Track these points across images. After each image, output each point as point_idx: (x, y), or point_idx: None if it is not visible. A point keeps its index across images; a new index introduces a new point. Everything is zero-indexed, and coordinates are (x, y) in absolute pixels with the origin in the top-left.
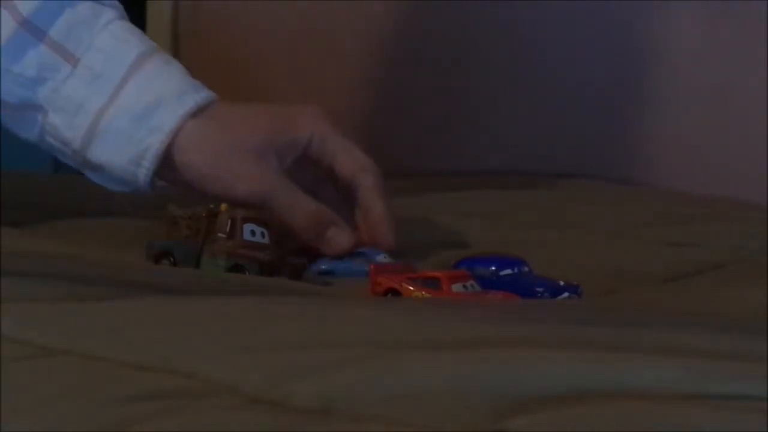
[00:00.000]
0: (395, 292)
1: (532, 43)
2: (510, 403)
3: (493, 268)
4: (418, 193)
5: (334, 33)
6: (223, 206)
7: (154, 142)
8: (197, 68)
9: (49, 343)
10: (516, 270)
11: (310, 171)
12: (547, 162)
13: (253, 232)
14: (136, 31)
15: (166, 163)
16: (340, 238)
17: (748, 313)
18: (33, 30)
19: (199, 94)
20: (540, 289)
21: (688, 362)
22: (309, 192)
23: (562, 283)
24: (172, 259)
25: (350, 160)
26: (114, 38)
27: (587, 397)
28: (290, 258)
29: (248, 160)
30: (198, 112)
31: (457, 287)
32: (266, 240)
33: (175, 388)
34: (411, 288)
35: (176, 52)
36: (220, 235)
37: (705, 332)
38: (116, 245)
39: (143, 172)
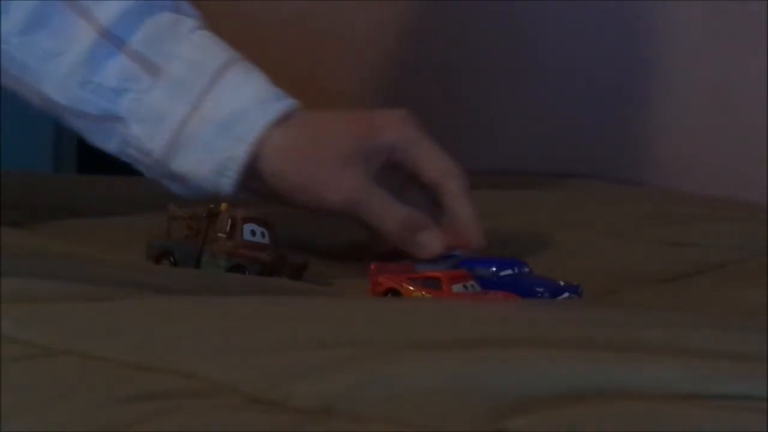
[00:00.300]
0: (395, 292)
1: (533, 44)
2: (510, 403)
3: (494, 268)
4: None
5: (334, 34)
6: (223, 206)
7: (238, 153)
8: None
9: (49, 343)
10: (516, 270)
11: (395, 175)
12: (547, 162)
13: (253, 232)
14: (218, 39)
15: (251, 172)
16: (431, 241)
17: (748, 313)
18: (113, 39)
19: (282, 102)
20: (540, 290)
21: (688, 362)
22: (395, 196)
23: (562, 283)
24: (172, 259)
25: (435, 165)
26: (196, 48)
27: (587, 397)
28: (290, 258)
29: (337, 168)
30: (282, 121)
31: (457, 287)
32: (266, 240)
33: (175, 388)
34: (411, 288)
35: None
36: (220, 235)
37: (705, 332)
38: (116, 245)
39: (227, 182)
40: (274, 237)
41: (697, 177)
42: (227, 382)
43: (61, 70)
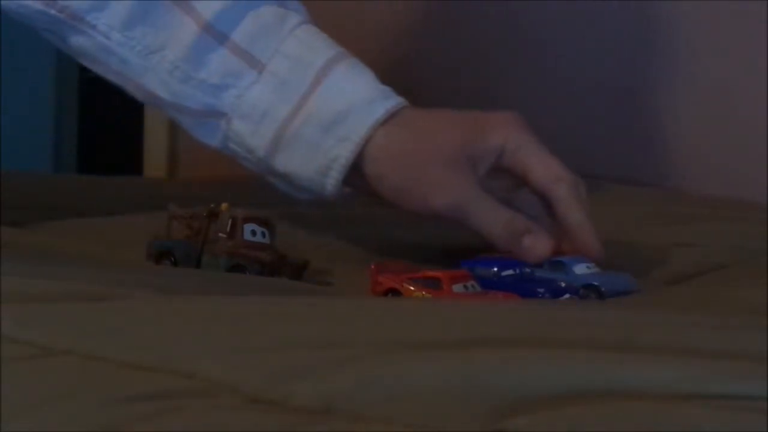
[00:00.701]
0: (395, 292)
1: (533, 44)
2: (510, 403)
3: (495, 268)
4: None
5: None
6: (224, 206)
7: (342, 153)
8: None
9: (49, 343)
10: (517, 271)
11: (504, 179)
12: None
13: (253, 232)
14: (323, 35)
15: (355, 172)
16: (537, 245)
17: (748, 313)
18: (216, 35)
19: (389, 101)
20: (541, 290)
21: (688, 362)
22: (503, 201)
23: (563, 284)
24: (172, 259)
25: (544, 170)
26: (301, 44)
27: (587, 397)
28: (290, 258)
29: (443, 171)
30: (388, 120)
31: (457, 287)
32: (267, 240)
33: (175, 388)
34: (411, 288)
35: None
36: (220, 235)
37: (705, 332)
38: (116, 245)
39: (331, 183)
40: (275, 237)
41: (697, 177)
42: (227, 382)
43: (164, 66)
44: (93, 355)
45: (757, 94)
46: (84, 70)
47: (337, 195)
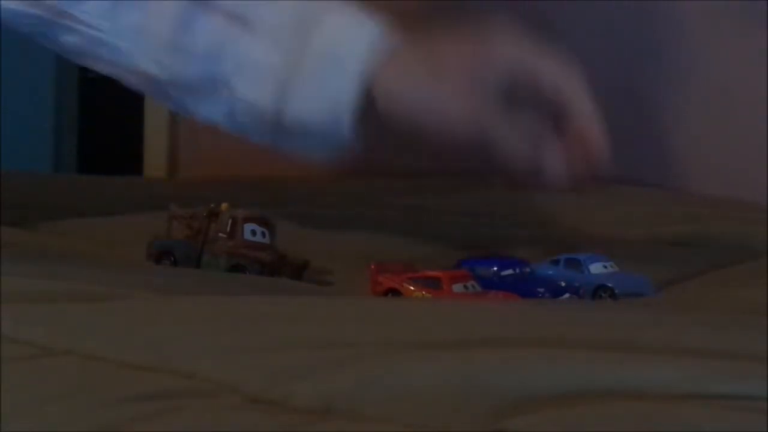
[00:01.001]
0: (395, 292)
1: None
2: (510, 403)
3: (495, 268)
4: (419, 193)
5: None
6: (224, 206)
7: (351, 85)
8: None
9: (49, 343)
10: (517, 270)
11: (514, 95)
12: None
13: (253, 232)
14: None
15: (369, 107)
16: (554, 160)
17: (748, 313)
18: (199, 1)
19: (384, 26)
20: (541, 290)
21: (688, 362)
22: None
23: (563, 284)
24: (172, 259)
25: (550, 71)
26: None
27: (587, 397)
28: (291, 257)
29: (460, 85)
30: (389, 44)
31: (457, 287)
32: (267, 240)
33: (175, 388)
34: (411, 288)
35: None
36: (220, 234)
37: (705, 332)
38: (116, 245)
39: (346, 119)
40: (275, 237)
41: (697, 177)
42: (227, 382)
43: (153, 42)
44: (93, 355)
45: (757, 94)
46: (84, 69)
47: (357, 139)
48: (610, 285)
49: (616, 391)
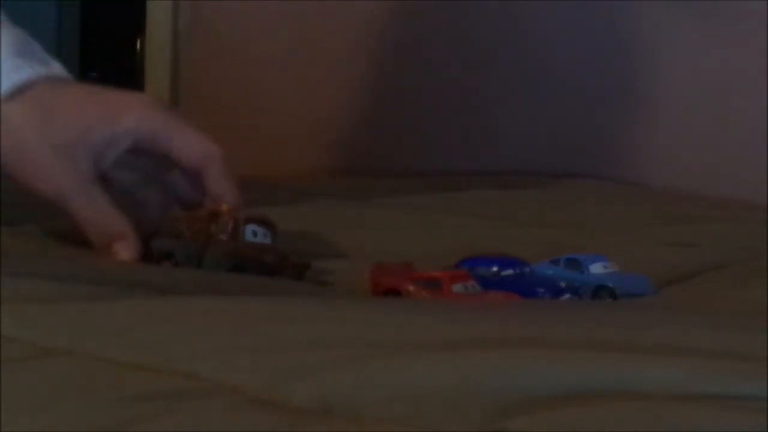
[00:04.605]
0: (395, 292)
1: (533, 44)
2: (510, 403)
3: (495, 268)
4: (418, 193)
5: (334, 33)
6: (225, 207)
7: None
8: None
9: (49, 343)
10: (518, 270)
11: (155, 161)
12: (548, 162)
13: (254, 233)
14: None
15: None
16: (123, 253)
17: (748, 313)
18: None
19: (19, 74)
20: (541, 290)
21: (688, 362)
22: (153, 181)
23: (563, 284)
24: (173, 260)
25: (189, 150)
26: None
27: (587, 397)
28: (292, 258)
29: (49, 157)
30: (18, 94)
31: (457, 288)
32: (268, 241)
33: (175, 388)
34: (411, 288)
35: (176, 51)
36: (221, 236)
37: (705, 332)
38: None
39: None
40: (276, 237)
41: (697, 177)
42: (227, 382)
43: None
44: (93, 355)
45: (757, 94)
46: (84, 69)
47: None
48: (610, 285)
49: (616, 391)
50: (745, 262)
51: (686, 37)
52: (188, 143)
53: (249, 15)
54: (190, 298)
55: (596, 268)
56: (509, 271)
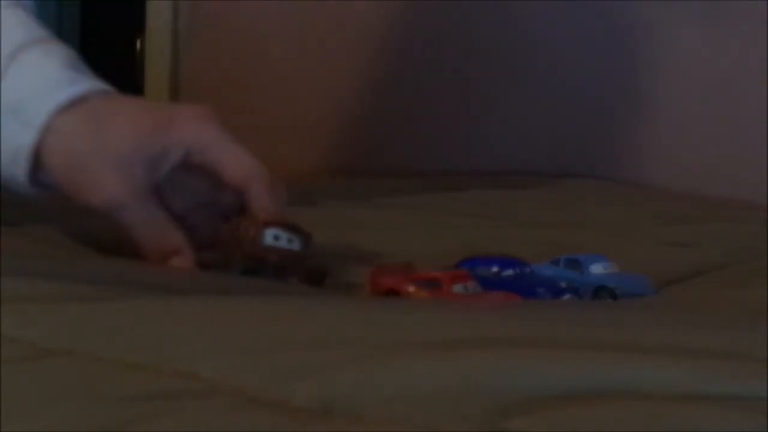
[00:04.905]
0: (395, 293)
1: (533, 44)
2: (510, 403)
3: (495, 268)
4: (418, 193)
5: (334, 33)
6: (247, 213)
7: (26, 139)
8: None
9: (49, 343)
10: (518, 270)
11: (205, 177)
12: (548, 162)
13: (276, 237)
14: (26, 20)
15: (41, 166)
16: (180, 265)
17: (748, 313)
18: None
19: (74, 87)
20: (541, 290)
21: (688, 362)
22: (205, 197)
23: (563, 284)
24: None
25: (236, 168)
26: None
27: (587, 397)
28: (309, 263)
29: (106, 169)
30: (73, 107)
31: (457, 288)
32: (293, 246)
33: (175, 388)
34: (411, 289)
35: (176, 51)
36: (243, 239)
37: (705, 332)
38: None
39: (21, 173)
40: (306, 243)
41: (697, 177)
42: (227, 382)
43: None
44: (93, 355)
45: (757, 94)
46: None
47: (38, 189)
48: (610, 285)
49: (616, 391)
50: (745, 262)
51: (686, 37)
52: (235, 158)
53: (249, 15)
54: (190, 298)
55: (596, 269)
56: (509, 272)
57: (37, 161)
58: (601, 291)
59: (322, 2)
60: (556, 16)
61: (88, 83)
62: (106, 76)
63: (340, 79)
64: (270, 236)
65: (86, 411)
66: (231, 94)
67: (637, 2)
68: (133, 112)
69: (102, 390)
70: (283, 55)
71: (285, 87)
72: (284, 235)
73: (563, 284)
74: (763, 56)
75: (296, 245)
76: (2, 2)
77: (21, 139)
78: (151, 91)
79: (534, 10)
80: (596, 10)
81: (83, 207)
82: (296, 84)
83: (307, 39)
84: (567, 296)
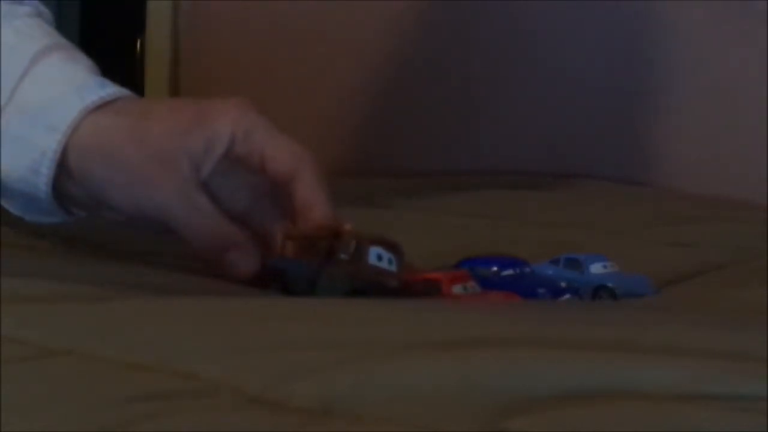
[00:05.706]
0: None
1: (533, 43)
2: (510, 403)
3: (495, 268)
4: (418, 193)
5: (334, 33)
6: (347, 226)
7: (50, 144)
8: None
9: (49, 343)
10: (518, 270)
11: (245, 172)
12: (549, 162)
13: (380, 257)
14: (47, 27)
15: (69, 172)
16: (241, 263)
17: (748, 313)
18: None
19: (104, 90)
20: (541, 290)
21: (688, 362)
22: (246, 194)
23: (563, 284)
24: (283, 281)
25: (282, 152)
26: (17, 34)
27: (587, 397)
28: (418, 284)
29: (148, 164)
30: (101, 108)
31: (457, 288)
32: (393, 267)
33: (175, 388)
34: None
35: (176, 52)
36: (342, 257)
37: (705, 332)
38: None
39: (43, 182)
40: (402, 264)
41: (697, 177)
42: (227, 382)
43: None
44: (93, 355)
45: (758, 94)
46: None
47: (57, 204)
48: (610, 285)
49: (616, 391)
50: (745, 262)
51: (686, 37)
52: (281, 146)
53: (249, 15)
54: (190, 298)
55: (596, 268)
56: (509, 271)
57: (62, 170)
58: (601, 291)
59: (322, 3)
60: (556, 16)
61: (117, 88)
62: (106, 76)
63: (341, 81)
64: (374, 255)
65: (86, 411)
66: (231, 94)
67: (637, 2)
68: (170, 106)
69: (102, 390)
70: (285, 55)
71: (285, 87)
72: (386, 255)
73: (563, 284)
74: (763, 56)
75: (393, 266)
76: (24, 10)
77: (44, 144)
78: (151, 91)
79: (535, 10)
80: (597, 11)
81: (112, 220)
82: (297, 84)
83: (308, 40)
84: (567, 296)
